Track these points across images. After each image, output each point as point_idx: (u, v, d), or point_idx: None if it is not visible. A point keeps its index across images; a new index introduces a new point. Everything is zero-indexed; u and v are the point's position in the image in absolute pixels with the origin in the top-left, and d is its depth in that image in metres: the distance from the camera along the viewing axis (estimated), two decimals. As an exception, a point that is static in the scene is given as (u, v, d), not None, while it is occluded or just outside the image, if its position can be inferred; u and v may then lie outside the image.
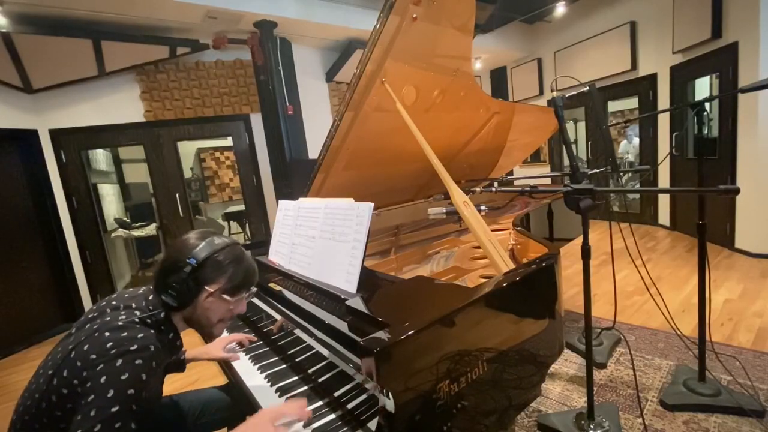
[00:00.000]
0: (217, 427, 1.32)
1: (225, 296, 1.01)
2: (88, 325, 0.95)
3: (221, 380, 1.47)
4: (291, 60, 4.30)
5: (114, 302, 0.99)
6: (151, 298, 1.00)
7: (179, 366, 1.34)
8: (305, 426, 0.99)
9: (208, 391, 1.37)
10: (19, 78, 3.43)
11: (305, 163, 4.11)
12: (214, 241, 1.01)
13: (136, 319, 0.94)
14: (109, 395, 0.82)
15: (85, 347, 0.88)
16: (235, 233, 6.36)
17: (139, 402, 0.86)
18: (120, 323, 0.91)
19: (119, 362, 0.85)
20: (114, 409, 0.81)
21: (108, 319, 0.94)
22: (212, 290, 0.99)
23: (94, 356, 0.86)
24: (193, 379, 2.38)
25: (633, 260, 2.22)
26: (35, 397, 0.90)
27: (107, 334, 0.89)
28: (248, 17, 3.74)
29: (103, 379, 0.83)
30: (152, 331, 0.93)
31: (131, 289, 1.07)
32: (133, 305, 0.98)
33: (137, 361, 0.86)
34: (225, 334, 1.61)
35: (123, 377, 0.84)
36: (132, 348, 0.86)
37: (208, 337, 1.08)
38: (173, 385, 1.39)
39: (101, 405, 0.81)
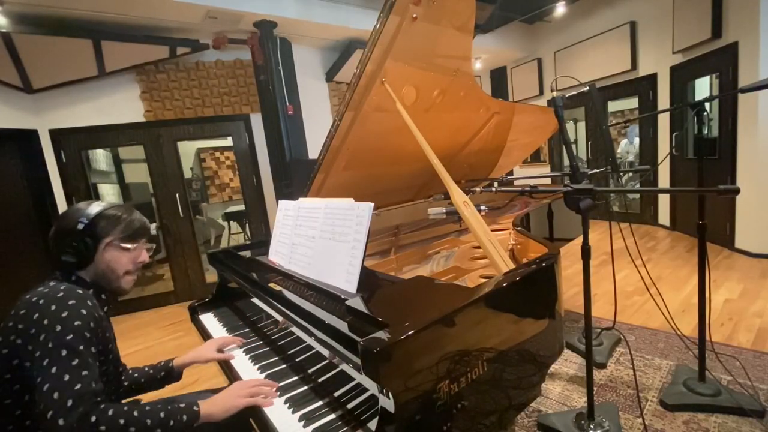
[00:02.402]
0: (216, 427, 1.32)
1: (123, 245, 1.10)
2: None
3: (221, 380, 1.47)
4: (291, 60, 4.30)
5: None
6: (58, 273, 1.07)
7: (171, 376, 1.35)
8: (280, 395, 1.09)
9: (206, 391, 1.37)
10: (19, 78, 3.43)
11: (305, 163, 4.11)
12: (98, 203, 1.11)
13: (51, 283, 1.00)
14: (58, 329, 0.87)
15: (12, 312, 0.93)
16: (235, 233, 6.36)
17: (91, 332, 0.92)
18: (39, 288, 0.97)
19: (53, 306, 0.90)
20: (69, 337, 0.87)
21: (25, 295, 0.98)
22: (109, 241, 1.08)
23: (24, 311, 0.91)
24: (193, 379, 2.38)
25: (633, 260, 2.22)
26: None
27: (29, 296, 0.94)
28: (248, 17, 3.74)
29: (46, 321, 0.88)
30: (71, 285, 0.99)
31: None
32: (45, 282, 1.03)
33: (70, 302, 0.92)
34: (224, 333, 1.62)
35: (64, 314, 0.90)
36: (59, 295, 0.93)
37: (118, 292, 1.14)
38: (173, 385, 1.40)
39: (55, 337, 0.86)
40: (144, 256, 1.16)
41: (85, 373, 0.86)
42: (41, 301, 0.91)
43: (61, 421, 0.79)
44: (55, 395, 0.81)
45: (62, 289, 0.95)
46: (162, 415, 0.91)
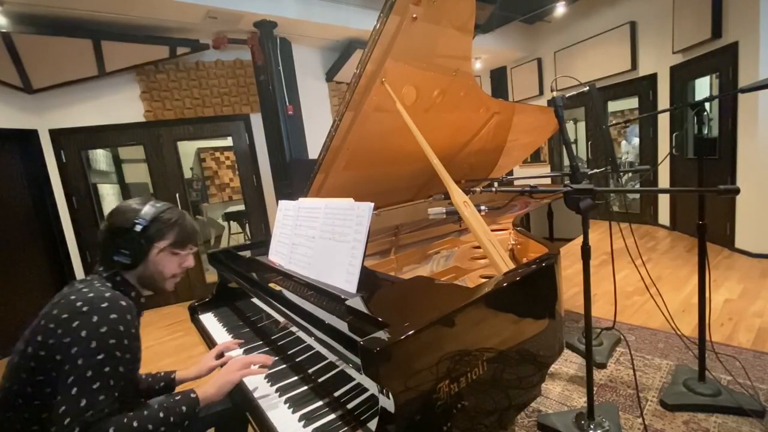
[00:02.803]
0: (216, 422, 1.33)
1: (175, 250, 1.11)
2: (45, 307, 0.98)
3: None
4: (291, 60, 4.30)
5: (67, 288, 1.03)
6: (102, 269, 1.07)
7: (169, 389, 1.35)
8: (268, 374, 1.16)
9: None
10: (19, 78, 3.43)
11: (305, 163, 4.11)
12: (155, 204, 1.11)
13: (97, 283, 1.00)
14: (92, 345, 0.87)
15: (54, 311, 0.92)
16: (235, 233, 6.36)
17: (122, 351, 0.92)
18: (84, 289, 0.97)
19: (95, 318, 0.90)
20: (100, 357, 0.87)
21: (67, 292, 0.98)
22: (162, 246, 1.09)
23: (66, 315, 0.90)
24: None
25: (633, 260, 2.22)
26: (11, 375, 0.93)
27: (73, 297, 0.93)
28: (248, 17, 3.74)
29: (83, 333, 0.88)
30: (115, 290, 1.00)
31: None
32: (88, 278, 1.05)
33: (112, 315, 0.92)
34: (224, 333, 1.62)
35: (102, 330, 0.89)
36: (103, 305, 0.92)
37: (162, 292, 1.17)
38: (173, 385, 1.40)
39: (87, 354, 0.86)
40: (190, 261, 1.18)
41: (102, 398, 0.86)
42: (85, 308, 0.91)
43: None
44: (66, 421, 0.81)
45: (107, 297, 0.94)
46: (161, 415, 0.91)
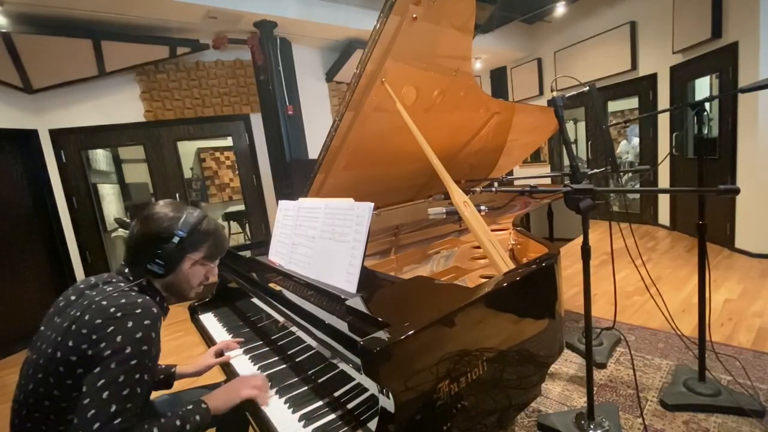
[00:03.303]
0: (216, 423, 1.33)
1: (205, 262, 1.12)
2: (69, 308, 0.98)
3: (221, 378, 1.47)
4: (291, 60, 4.30)
5: (85, 285, 1.04)
6: (127, 271, 1.07)
7: (167, 383, 1.35)
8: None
9: (206, 390, 1.37)
10: (19, 78, 3.43)
11: (305, 163, 4.11)
12: (192, 213, 1.09)
13: (126, 288, 1.00)
14: (127, 351, 0.87)
15: (86, 317, 0.91)
16: (235, 233, 6.35)
17: (151, 360, 0.93)
18: (114, 293, 0.97)
19: (130, 323, 0.90)
20: (133, 362, 0.88)
21: (94, 294, 0.98)
22: (196, 258, 1.09)
23: (99, 321, 0.90)
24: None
25: (633, 260, 2.22)
26: (38, 377, 0.92)
27: (105, 302, 0.94)
28: (248, 17, 3.74)
29: (119, 338, 0.88)
30: (144, 295, 1.00)
31: (93, 276, 1.10)
32: (113, 280, 1.04)
33: (146, 322, 0.92)
34: (224, 333, 1.62)
35: (137, 336, 0.90)
36: (137, 311, 0.92)
37: (183, 299, 1.17)
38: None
39: (121, 359, 0.87)
40: (215, 274, 1.18)
41: (129, 405, 0.86)
42: (119, 314, 0.91)
43: None
44: (96, 426, 0.81)
45: (140, 303, 0.94)
46: (178, 423, 0.92)
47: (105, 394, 0.83)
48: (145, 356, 0.90)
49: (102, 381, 0.84)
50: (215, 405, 1.03)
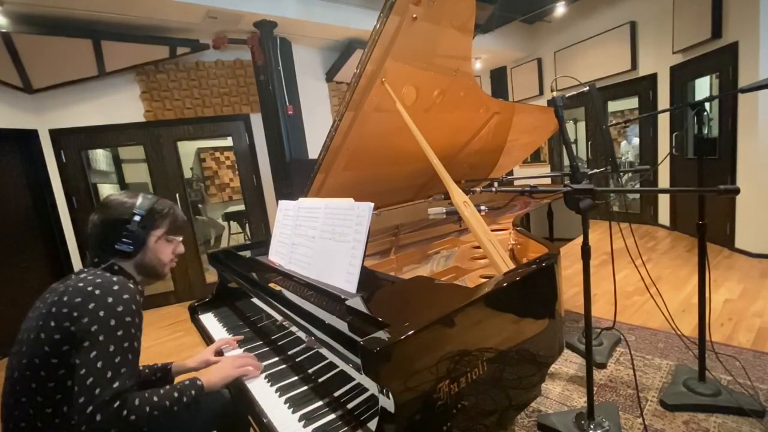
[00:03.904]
0: (217, 424, 1.33)
1: (170, 237, 1.20)
2: (48, 296, 1.02)
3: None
4: (291, 60, 4.30)
5: (62, 281, 1.06)
6: (96, 261, 1.12)
7: (165, 380, 1.36)
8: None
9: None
10: (19, 78, 3.43)
11: (305, 163, 4.11)
12: (146, 195, 1.18)
13: (99, 271, 1.06)
14: (112, 324, 0.94)
15: (65, 298, 0.96)
16: (235, 233, 6.36)
17: (136, 329, 0.99)
18: (89, 277, 1.02)
19: (110, 299, 0.96)
20: (120, 333, 0.94)
21: (69, 281, 1.02)
22: (159, 234, 1.17)
23: (79, 299, 0.96)
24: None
25: (633, 260, 2.22)
26: (23, 363, 0.97)
27: (81, 284, 0.99)
28: (248, 17, 3.74)
29: (101, 313, 0.94)
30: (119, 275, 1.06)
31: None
32: (86, 269, 1.10)
33: (125, 296, 0.98)
34: (224, 333, 1.62)
35: (119, 309, 0.96)
36: (115, 288, 0.99)
37: (160, 278, 1.25)
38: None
39: (108, 332, 0.93)
40: (182, 248, 1.28)
41: (124, 370, 0.92)
42: (97, 291, 0.97)
43: (98, 417, 0.86)
44: (97, 391, 0.87)
45: (116, 281, 1.01)
46: (175, 394, 1.01)
47: (99, 364, 0.89)
48: (130, 326, 0.96)
49: (94, 353, 0.90)
50: (210, 381, 1.13)
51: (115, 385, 0.89)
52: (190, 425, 1.28)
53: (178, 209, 1.25)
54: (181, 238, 1.26)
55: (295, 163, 4.16)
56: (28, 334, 0.99)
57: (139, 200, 1.14)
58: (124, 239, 1.09)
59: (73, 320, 0.93)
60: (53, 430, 0.98)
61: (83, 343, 0.91)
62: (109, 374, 0.89)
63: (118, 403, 0.88)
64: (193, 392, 1.05)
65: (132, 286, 1.03)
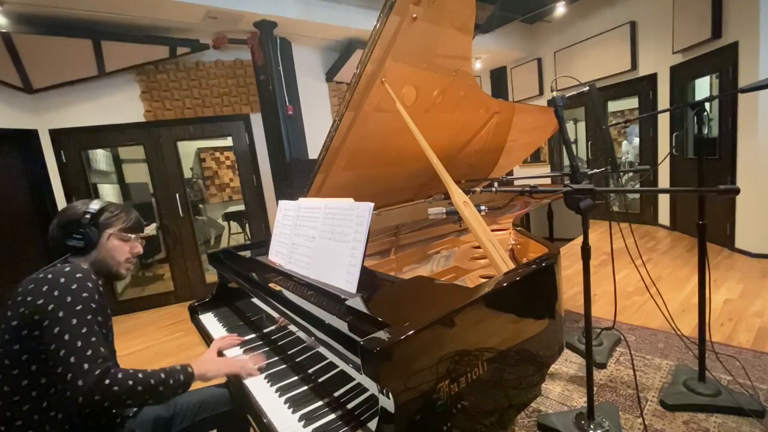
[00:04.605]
0: (218, 424, 1.33)
1: (124, 235, 1.22)
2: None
3: (223, 380, 1.47)
4: (291, 60, 4.30)
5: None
6: (51, 259, 1.14)
7: None
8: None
9: (207, 390, 1.37)
10: (19, 78, 3.43)
11: (305, 163, 4.11)
12: (101, 200, 1.23)
13: (51, 267, 1.07)
14: (79, 307, 0.96)
15: (19, 289, 1.01)
16: (235, 233, 6.35)
17: (99, 304, 1.02)
18: (42, 270, 1.03)
19: (74, 285, 0.99)
20: (82, 309, 0.97)
21: (31, 278, 1.03)
22: (111, 232, 1.19)
23: (32, 286, 0.99)
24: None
25: (633, 260, 2.22)
26: None
27: (41, 276, 1.01)
28: (248, 17, 3.74)
29: (68, 298, 0.96)
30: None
31: None
32: (42, 268, 1.09)
33: (78, 275, 1.01)
34: (224, 333, 1.62)
35: (84, 294, 0.99)
36: (77, 275, 1.01)
37: (117, 277, 1.25)
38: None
39: (71, 311, 0.95)
40: (138, 248, 1.28)
41: (93, 339, 0.95)
42: (49, 276, 0.99)
43: (80, 382, 0.89)
44: (72, 359, 0.90)
45: (68, 265, 1.03)
46: (162, 375, 1.03)
47: (67, 336, 0.92)
48: (88, 300, 0.99)
49: (66, 335, 0.93)
50: (202, 371, 1.16)
51: (99, 360, 0.93)
52: (190, 425, 1.28)
53: (132, 211, 1.28)
54: (135, 237, 1.27)
55: (295, 163, 4.16)
56: None
57: (92, 203, 1.20)
58: (74, 235, 1.13)
59: (27, 304, 0.96)
60: (23, 417, 0.99)
61: (44, 322, 0.94)
62: (89, 352, 0.92)
63: (98, 371, 0.91)
64: (181, 377, 1.07)
65: (85, 267, 1.06)
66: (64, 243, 1.13)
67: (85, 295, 0.98)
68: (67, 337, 0.92)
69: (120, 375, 0.95)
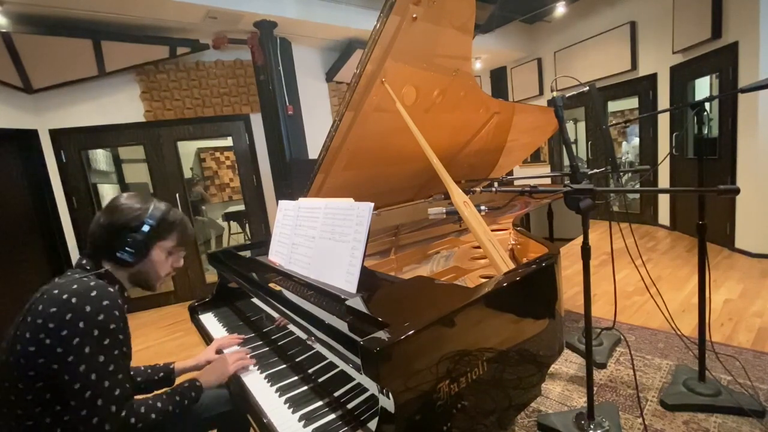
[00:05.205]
0: (218, 424, 1.33)
1: (176, 249, 1.15)
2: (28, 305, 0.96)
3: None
4: (291, 60, 4.30)
5: (46, 285, 0.99)
6: (84, 262, 1.05)
7: (168, 379, 1.36)
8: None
9: (207, 390, 1.37)
10: (19, 78, 3.43)
11: (305, 163, 4.11)
12: (158, 204, 1.11)
13: (77, 275, 0.98)
14: (95, 334, 0.89)
15: (40, 307, 0.90)
16: (235, 233, 6.35)
17: (123, 335, 0.96)
18: (65, 282, 0.94)
19: (88, 308, 0.89)
20: (106, 342, 0.90)
21: (47, 287, 0.96)
22: (167, 246, 1.12)
23: (54, 309, 0.88)
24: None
25: (633, 260, 2.22)
26: (1, 373, 0.91)
27: (56, 291, 0.91)
28: (248, 17, 3.74)
29: (81, 324, 0.88)
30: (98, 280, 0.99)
31: None
32: (69, 273, 1.01)
33: (104, 303, 0.91)
34: (224, 333, 1.62)
35: (99, 318, 0.90)
36: (92, 294, 0.91)
37: (150, 289, 1.17)
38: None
39: (93, 343, 0.88)
40: (181, 262, 1.20)
41: (120, 377, 0.92)
42: (74, 300, 0.89)
43: (107, 426, 0.87)
44: (99, 402, 0.87)
45: (93, 286, 0.93)
46: (177, 398, 1.05)
47: (93, 376, 0.87)
48: (116, 333, 0.92)
49: (84, 366, 0.87)
50: (207, 381, 1.18)
51: (117, 393, 0.90)
52: (190, 425, 1.28)
53: (188, 221, 1.18)
54: (184, 252, 1.20)
55: (295, 163, 4.16)
56: (7, 343, 0.94)
57: (151, 208, 1.07)
58: (127, 248, 1.02)
59: (49, 332, 0.87)
60: None
61: (67, 357, 0.86)
62: (107, 384, 0.89)
63: (124, 412, 0.90)
64: (193, 394, 1.09)
65: (111, 290, 0.96)
66: (110, 251, 1.03)
67: (113, 327, 0.91)
68: (93, 377, 0.87)
69: (142, 410, 0.95)
